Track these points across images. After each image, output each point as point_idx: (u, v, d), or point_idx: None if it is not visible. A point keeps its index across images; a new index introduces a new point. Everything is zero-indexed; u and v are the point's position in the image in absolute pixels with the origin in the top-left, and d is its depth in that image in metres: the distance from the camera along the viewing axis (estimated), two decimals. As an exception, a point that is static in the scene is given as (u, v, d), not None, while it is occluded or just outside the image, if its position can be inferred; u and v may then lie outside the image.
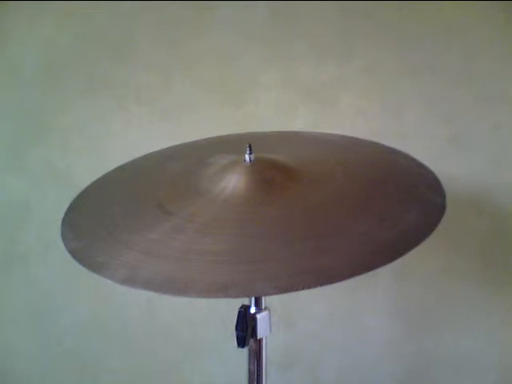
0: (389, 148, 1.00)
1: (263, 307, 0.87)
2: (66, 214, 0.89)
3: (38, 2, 1.22)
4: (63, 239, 0.83)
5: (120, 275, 0.72)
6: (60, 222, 0.87)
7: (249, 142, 0.86)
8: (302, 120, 1.23)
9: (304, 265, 0.71)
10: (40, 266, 1.33)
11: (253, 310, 0.86)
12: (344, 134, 1.06)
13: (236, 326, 0.83)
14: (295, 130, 1.17)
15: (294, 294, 0.67)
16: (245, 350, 0.88)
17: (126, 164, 1.02)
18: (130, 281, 0.71)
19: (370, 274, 0.68)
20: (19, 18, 1.24)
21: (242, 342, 0.83)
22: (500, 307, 1.26)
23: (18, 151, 1.29)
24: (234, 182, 0.83)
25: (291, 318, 1.32)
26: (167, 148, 1.07)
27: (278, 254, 0.73)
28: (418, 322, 1.30)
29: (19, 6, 1.22)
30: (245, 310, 0.84)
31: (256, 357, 0.90)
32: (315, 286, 0.67)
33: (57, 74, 1.25)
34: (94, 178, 0.98)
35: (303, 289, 0.67)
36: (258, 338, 0.87)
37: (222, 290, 0.69)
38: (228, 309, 0.83)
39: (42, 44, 1.25)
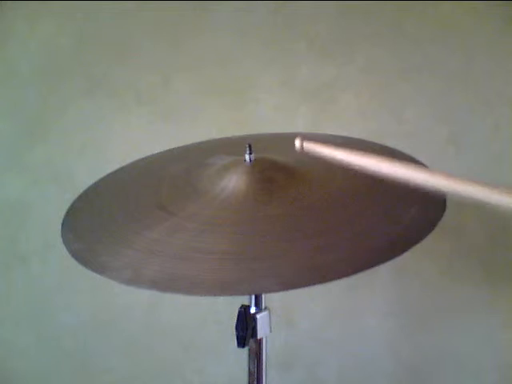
0: (389, 148, 1.00)
1: (263, 307, 0.87)
2: (66, 215, 0.89)
3: (37, 2, 1.22)
4: (64, 241, 0.82)
5: (124, 276, 0.72)
6: (60, 222, 0.87)
7: (249, 142, 0.86)
8: (302, 120, 1.22)
9: (307, 262, 0.71)
10: (40, 266, 1.33)
11: (253, 309, 0.86)
12: (344, 134, 1.06)
13: (236, 326, 0.83)
14: (295, 130, 1.17)
15: (293, 293, 0.67)
16: (245, 350, 0.88)
17: (126, 165, 1.02)
18: (134, 281, 0.72)
19: (370, 273, 0.68)
20: (19, 18, 1.24)
21: (242, 342, 0.83)
22: (500, 307, 1.26)
23: (18, 151, 1.29)
24: (234, 182, 0.83)
25: (291, 317, 1.32)
26: (167, 150, 1.07)
27: (280, 251, 0.73)
28: (417, 322, 1.30)
29: (19, 6, 1.22)
30: (245, 309, 0.84)
31: (256, 357, 0.90)
32: (319, 283, 0.68)
33: (57, 74, 1.25)
34: (94, 178, 0.97)
35: (307, 286, 0.68)
36: (258, 337, 0.87)
37: (228, 288, 0.69)
38: (228, 309, 0.83)
39: (42, 44, 1.25)
